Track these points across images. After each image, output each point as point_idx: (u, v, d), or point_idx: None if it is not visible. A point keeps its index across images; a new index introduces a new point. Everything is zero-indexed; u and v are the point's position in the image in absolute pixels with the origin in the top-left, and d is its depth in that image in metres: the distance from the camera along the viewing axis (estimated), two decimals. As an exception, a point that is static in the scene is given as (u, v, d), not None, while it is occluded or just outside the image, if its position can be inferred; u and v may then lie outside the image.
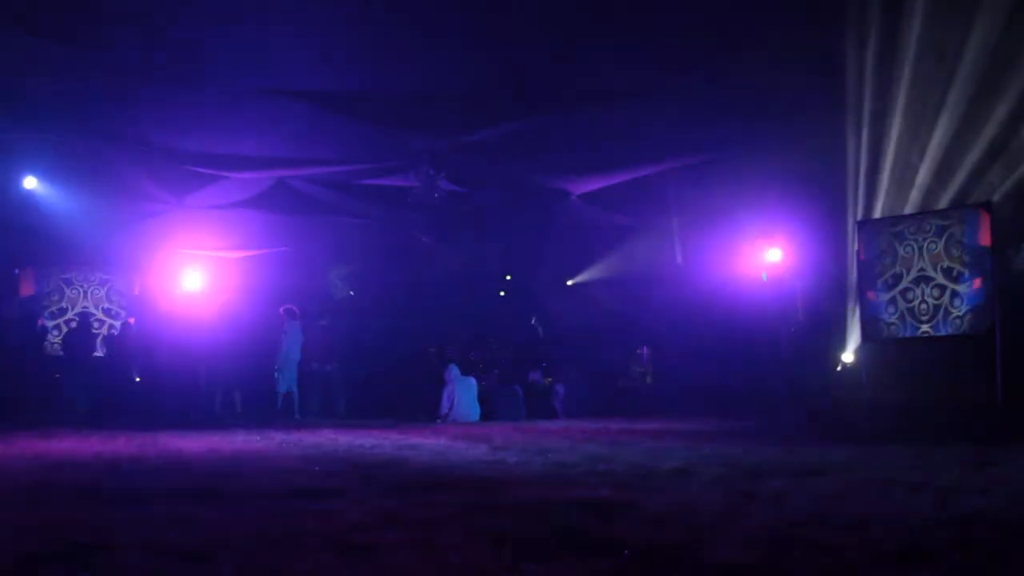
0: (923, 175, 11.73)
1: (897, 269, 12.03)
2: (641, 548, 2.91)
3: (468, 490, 4.63)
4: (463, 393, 12.60)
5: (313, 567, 2.74)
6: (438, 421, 12.37)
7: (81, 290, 15.12)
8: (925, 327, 11.64)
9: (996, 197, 11.18)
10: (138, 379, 14.80)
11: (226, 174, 13.23)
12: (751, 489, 4.35)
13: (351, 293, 17.17)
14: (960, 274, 11.31)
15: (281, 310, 13.75)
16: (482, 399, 13.02)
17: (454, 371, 12.70)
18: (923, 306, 11.70)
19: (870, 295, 12.23)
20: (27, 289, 14.50)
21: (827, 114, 11.02)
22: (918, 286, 11.80)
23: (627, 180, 13.00)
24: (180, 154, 12.39)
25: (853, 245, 12.68)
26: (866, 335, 12.44)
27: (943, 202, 11.83)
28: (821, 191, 12.53)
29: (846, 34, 9.44)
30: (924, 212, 11.94)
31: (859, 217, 12.55)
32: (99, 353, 14.34)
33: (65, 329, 14.48)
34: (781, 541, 3.01)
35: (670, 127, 11.19)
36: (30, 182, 13.13)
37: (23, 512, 3.96)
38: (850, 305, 12.88)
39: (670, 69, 9.69)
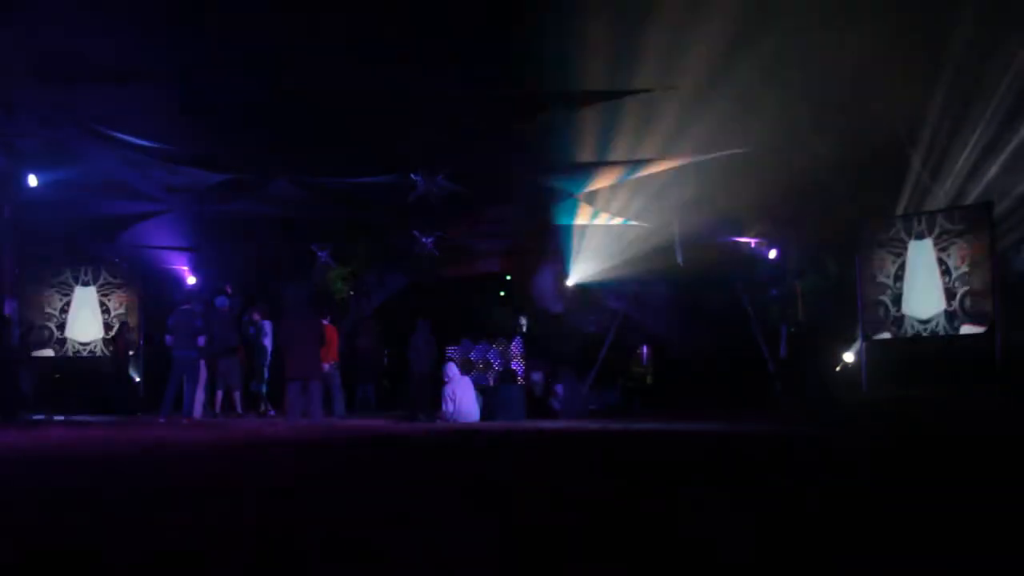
0: (923, 174, 11.74)
1: (897, 268, 12.04)
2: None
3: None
4: (463, 393, 12.58)
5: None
6: (438, 420, 12.36)
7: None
8: (925, 327, 11.64)
9: (996, 197, 11.19)
10: (137, 379, 14.81)
11: (225, 174, 13.23)
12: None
13: (351, 293, 17.16)
14: (960, 274, 11.32)
15: (256, 314, 13.77)
16: (482, 399, 13.01)
17: (453, 370, 12.69)
18: (923, 306, 11.71)
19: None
20: None
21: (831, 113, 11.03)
22: (918, 285, 11.82)
23: (630, 179, 12.98)
24: (178, 155, 12.40)
25: (854, 244, 12.71)
26: (866, 335, 12.44)
27: (943, 202, 11.84)
28: (822, 190, 12.53)
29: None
30: (925, 212, 11.95)
31: (861, 216, 12.57)
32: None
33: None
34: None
35: (674, 125, 11.19)
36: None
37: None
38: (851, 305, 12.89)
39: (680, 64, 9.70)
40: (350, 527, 3.27)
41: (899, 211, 12.29)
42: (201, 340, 12.22)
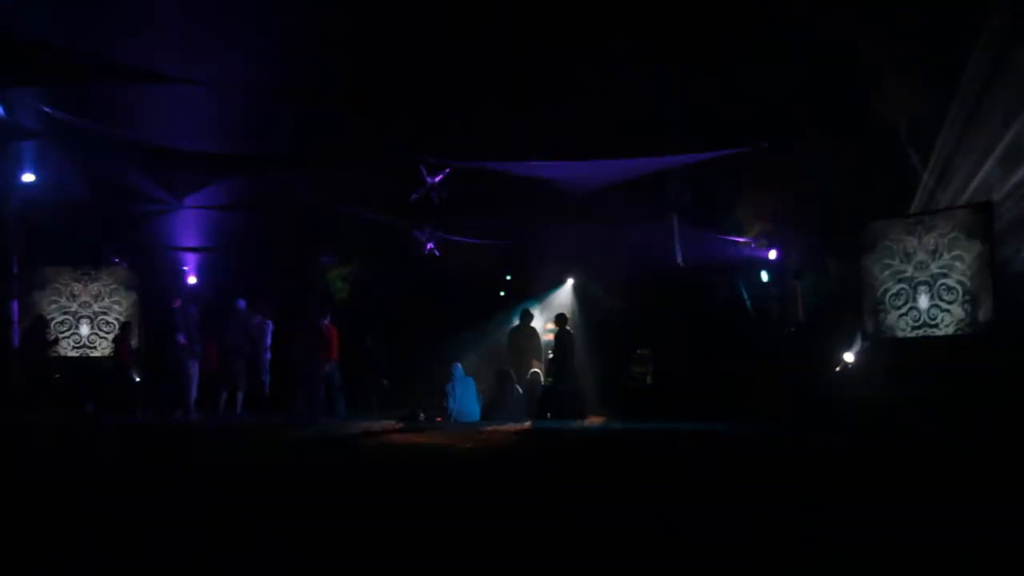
0: (925, 176, 11.75)
1: (898, 268, 12.06)
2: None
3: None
4: (463, 392, 12.61)
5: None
6: (439, 419, 12.39)
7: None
8: (925, 326, 11.66)
9: (996, 197, 11.19)
10: (137, 379, 14.81)
11: (225, 174, 13.24)
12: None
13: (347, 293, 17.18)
14: (960, 273, 11.34)
15: (258, 315, 13.83)
16: (483, 398, 13.03)
17: (458, 370, 12.74)
18: (923, 306, 11.73)
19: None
20: None
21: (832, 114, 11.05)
22: (919, 285, 11.83)
23: (630, 179, 12.98)
24: (178, 155, 12.40)
25: (854, 244, 12.72)
26: (866, 335, 12.45)
27: (944, 202, 11.84)
28: (822, 190, 12.54)
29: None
30: (925, 212, 11.96)
31: (860, 216, 12.58)
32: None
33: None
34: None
35: (675, 124, 11.20)
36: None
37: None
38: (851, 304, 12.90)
39: (679, 63, 9.72)
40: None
41: (899, 211, 12.30)
42: (181, 338, 12.34)
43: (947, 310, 11.49)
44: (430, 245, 15.30)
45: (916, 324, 11.82)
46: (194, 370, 12.84)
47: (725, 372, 13.47)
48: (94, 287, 15.29)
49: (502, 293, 18.14)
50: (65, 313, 15.05)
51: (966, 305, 11.24)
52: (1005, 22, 9.58)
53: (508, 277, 18.04)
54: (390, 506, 3.83)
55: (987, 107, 10.75)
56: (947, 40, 9.87)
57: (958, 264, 11.35)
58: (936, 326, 11.56)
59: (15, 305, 13.13)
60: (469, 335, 15.19)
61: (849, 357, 12.90)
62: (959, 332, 11.26)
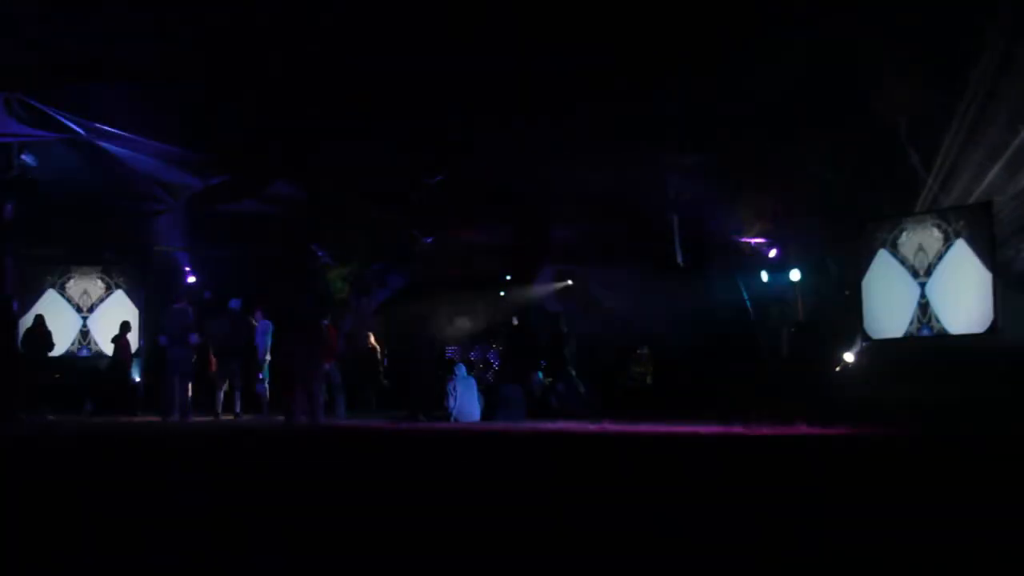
0: (929, 179, 11.75)
1: (899, 268, 12.06)
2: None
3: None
4: (464, 392, 12.63)
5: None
6: (440, 419, 12.41)
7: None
8: (925, 326, 11.66)
9: (999, 198, 11.19)
10: (137, 379, 14.82)
11: (225, 174, 13.26)
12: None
13: (351, 292, 17.19)
14: (960, 274, 11.34)
15: (257, 314, 13.83)
16: (483, 399, 13.03)
17: (461, 370, 12.77)
18: (924, 305, 11.73)
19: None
20: None
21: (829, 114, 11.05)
22: (919, 285, 11.83)
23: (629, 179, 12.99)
24: (177, 154, 12.42)
25: (854, 244, 12.72)
26: (866, 335, 12.45)
27: (947, 203, 11.84)
28: (822, 190, 12.54)
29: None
30: (926, 212, 11.97)
31: (860, 216, 12.59)
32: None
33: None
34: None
35: (673, 125, 11.22)
36: None
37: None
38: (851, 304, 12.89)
39: (677, 64, 9.73)
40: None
41: (900, 211, 12.30)
42: (193, 338, 12.33)
43: (947, 310, 11.48)
44: (428, 240, 15.33)
45: (916, 324, 11.82)
46: (191, 370, 12.85)
47: (725, 372, 13.48)
48: (94, 286, 15.29)
49: (502, 293, 18.17)
50: (65, 313, 15.05)
51: (966, 305, 11.24)
52: (1007, 23, 9.59)
53: (508, 277, 18.07)
54: (389, 505, 3.84)
55: (991, 109, 10.75)
56: (947, 40, 9.87)
57: (958, 264, 11.34)
58: (936, 326, 11.55)
59: (15, 305, 13.12)
60: (468, 334, 15.19)
61: (849, 357, 12.91)
62: (959, 332, 11.26)
